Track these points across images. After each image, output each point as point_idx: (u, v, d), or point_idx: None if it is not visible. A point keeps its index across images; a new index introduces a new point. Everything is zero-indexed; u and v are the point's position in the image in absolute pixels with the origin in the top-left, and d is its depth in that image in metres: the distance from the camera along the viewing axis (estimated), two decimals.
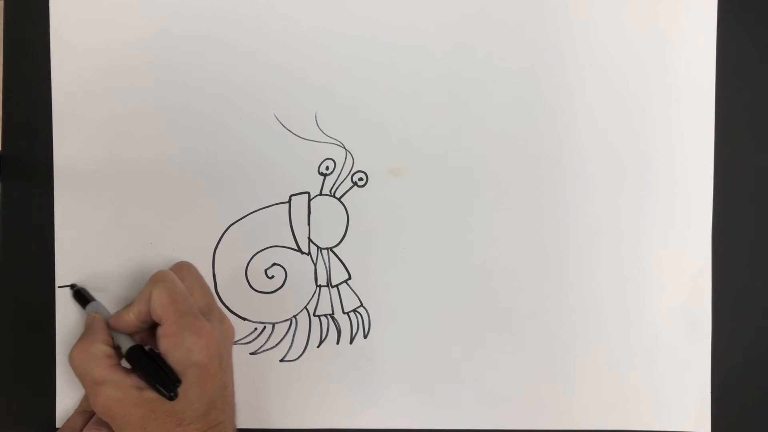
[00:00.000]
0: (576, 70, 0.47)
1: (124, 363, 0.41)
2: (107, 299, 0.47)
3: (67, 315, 0.47)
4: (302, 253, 0.47)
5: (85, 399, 0.46)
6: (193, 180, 0.47)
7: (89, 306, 0.44)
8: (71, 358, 0.40)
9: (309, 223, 0.47)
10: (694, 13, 0.48)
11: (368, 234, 0.47)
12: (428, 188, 0.47)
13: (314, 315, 0.47)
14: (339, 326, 0.47)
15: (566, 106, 0.47)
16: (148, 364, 0.39)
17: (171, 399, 0.38)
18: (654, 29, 0.48)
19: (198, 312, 0.41)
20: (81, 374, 0.40)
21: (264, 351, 0.47)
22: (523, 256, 0.47)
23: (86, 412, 0.45)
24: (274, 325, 0.47)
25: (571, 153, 0.48)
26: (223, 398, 0.41)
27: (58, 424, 0.47)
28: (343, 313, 0.47)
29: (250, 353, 0.47)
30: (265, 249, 0.47)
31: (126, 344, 0.41)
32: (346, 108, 0.47)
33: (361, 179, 0.47)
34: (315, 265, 0.47)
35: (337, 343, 0.47)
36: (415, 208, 0.47)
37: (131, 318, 0.41)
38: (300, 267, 0.47)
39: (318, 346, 0.47)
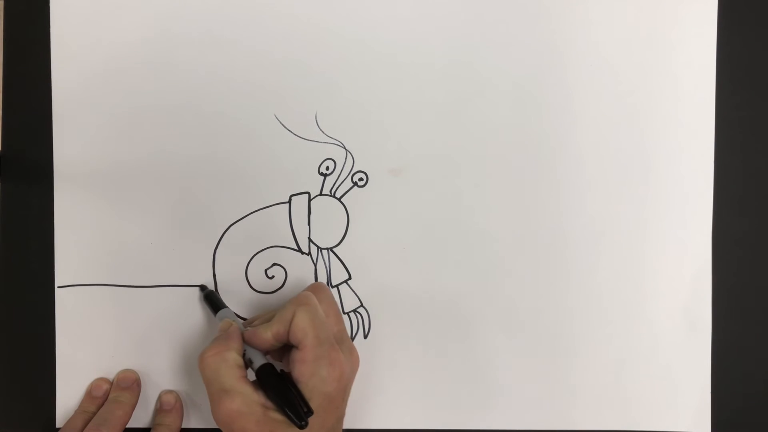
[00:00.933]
0: (576, 71, 0.48)
1: (250, 375, 0.41)
2: (110, 299, 0.47)
3: (67, 315, 0.47)
4: (302, 253, 0.47)
5: (87, 399, 0.46)
6: (193, 180, 0.47)
7: (221, 312, 0.44)
8: (203, 360, 0.40)
9: (309, 223, 0.47)
10: (694, 14, 0.48)
11: (368, 234, 0.47)
12: (428, 188, 0.47)
13: None
14: None
15: (566, 106, 0.47)
16: (281, 386, 0.39)
17: (301, 428, 0.37)
18: (654, 30, 0.48)
19: (334, 341, 0.40)
20: (210, 378, 0.39)
21: None
22: (524, 257, 0.47)
23: (87, 413, 0.45)
24: None
25: (571, 153, 0.48)
26: (336, 430, 0.41)
27: (58, 424, 0.47)
28: (344, 313, 0.47)
29: None
30: (265, 249, 0.47)
31: (258, 360, 0.40)
32: (346, 108, 0.47)
33: (361, 179, 0.47)
34: (315, 265, 0.47)
35: None
36: (415, 208, 0.47)
37: (268, 337, 0.40)
38: (300, 267, 0.47)
39: None
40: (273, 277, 0.47)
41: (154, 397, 0.47)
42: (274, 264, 0.47)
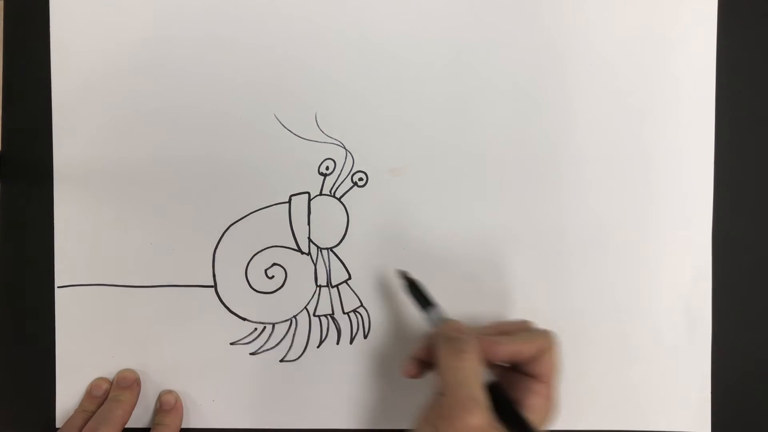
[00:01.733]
0: (576, 71, 0.48)
1: None
2: (110, 299, 0.47)
3: (67, 315, 0.47)
4: (302, 253, 0.47)
5: (87, 398, 0.46)
6: (193, 180, 0.47)
7: (435, 310, 0.42)
8: (464, 359, 0.37)
9: (309, 223, 0.47)
10: (694, 13, 0.48)
11: (368, 234, 0.47)
12: (428, 188, 0.47)
13: (314, 315, 0.47)
14: (339, 326, 0.47)
15: (566, 106, 0.48)
16: (511, 409, 0.38)
17: None
18: (654, 30, 0.48)
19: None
20: (463, 381, 0.36)
21: (264, 351, 0.47)
22: (523, 257, 0.47)
23: (86, 412, 0.45)
24: (274, 325, 0.47)
25: (572, 153, 0.48)
26: None
27: (58, 424, 0.47)
28: (343, 313, 0.47)
29: (250, 353, 0.47)
30: (265, 249, 0.47)
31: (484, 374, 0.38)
32: (346, 108, 0.47)
33: (361, 179, 0.47)
34: (315, 265, 0.47)
35: (337, 343, 0.47)
36: (415, 208, 0.47)
37: (507, 351, 0.39)
38: (300, 267, 0.47)
39: (318, 346, 0.47)
40: (273, 277, 0.47)
41: (154, 397, 0.47)
42: (274, 264, 0.47)
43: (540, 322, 0.47)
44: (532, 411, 0.39)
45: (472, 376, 0.37)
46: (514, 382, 0.40)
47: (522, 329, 0.42)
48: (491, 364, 0.40)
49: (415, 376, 0.42)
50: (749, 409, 0.48)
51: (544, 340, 0.40)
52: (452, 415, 0.35)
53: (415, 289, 0.44)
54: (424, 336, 0.42)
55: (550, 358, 0.40)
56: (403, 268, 0.47)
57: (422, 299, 0.43)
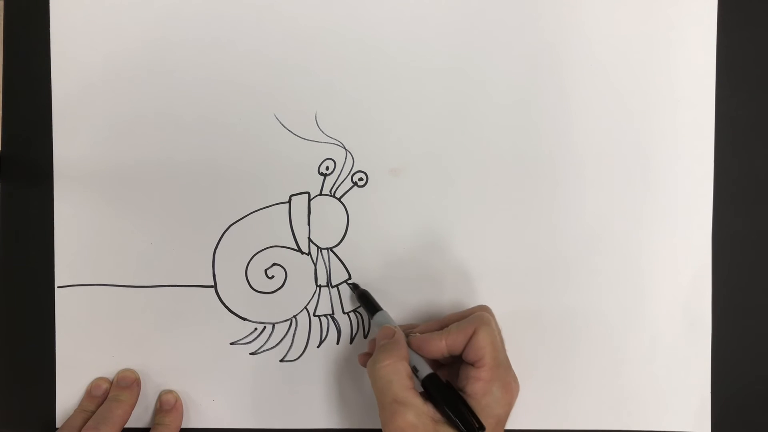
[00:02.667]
0: (575, 71, 0.47)
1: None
2: (110, 299, 0.47)
3: (67, 315, 0.47)
4: (302, 253, 0.47)
5: (86, 398, 0.46)
6: (193, 180, 0.47)
7: (379, 315, 0.44)
8: (379, 369, 0.39)
9: (309, 223, 0.47)
10: (694, 13, 0.48)
11: (368, 234, 0.47)
12: (428, 188, 0.47)
13: (314, 315, 0.47)
14: (339, 326, 0.47)
15: (566, 106, 0.47)
16: (451, 397, 0.38)
17: None
18: (654, 29, 0.48)
19: (509, 366, 0.40)
20: (383, 388, 0.38)
21: (264, 351, 0.47)
22: (523, 257, 0.47)
23: (86, 411, 0.45)
24: (274, 325, 0.47)
25: (571, 153, 0.48)
26: None
27: (58, 424, 0.47)
28: (343, 313, 0.47)
29: (250, 353, 0.47)
30: (265, 249, 0.47)
31: (424, 369, 0.40)
32: (346, 108, 0.47)
33: (361, 179, 0.47)
34: (315, 265, 0.47)
35: (337, 343, 0.47)
36: (415, 208, 0.47)
37: (442, 346, 0.40)
38: (300, 267, 0.47)
39: (318, 346, 0.47)
40: (273, 277, 0.47)
41: (154, 397, 0.47)
42: (274, 264, 0.47)
43: (540, 322, 0.47)
44: (474, 396, 0.39)
45: (391, 380, 0.38)
46: (460, 371, 0.41)
47: (459, 319, 0.41)
48: (438, 361, 0.41)
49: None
50: (749, 409, 0.48)
51: (471, 325, 0.40)
52: (384, 420, 0.38)
53: (364, 298, 0.46)
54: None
55: (479, 339, 0.39)
56: (403, 267, 0.47)
57: (370, 306, 0.45)
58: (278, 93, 0.47)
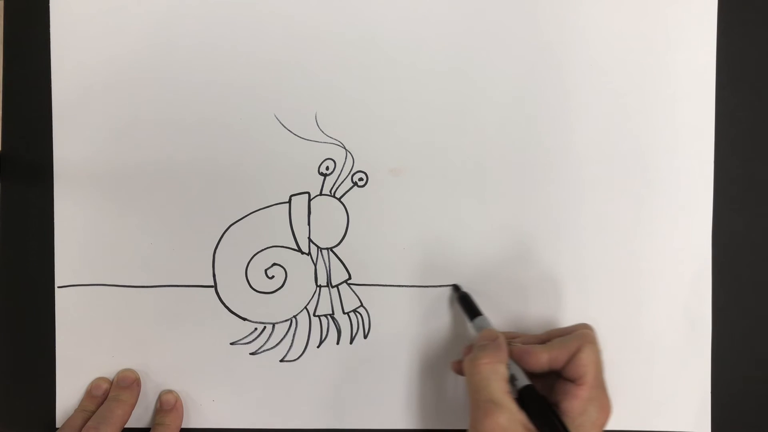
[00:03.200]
0: (575, 71, 0.47)
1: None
2: (110, 299, 0.47)
3: (67, 315, 0.47)
4: (302, 253, 0.47)
5: (86, 398, 0.46)
6: (193, 180, 0.47)
7: (480, 319, 0.44)
8: (478, 366, 0.39)
9: (309, 223, 0.47)
10: (694, 13, 0.48)
11: (368, 234, 0.47)
12: (428, 188, 0.47)
13: (314, 315, 0.47)
14: (339, 326, 0.47)
15: (566, 106, 0.47)
16: (546, 411, 0.38)
17: None
18: (654, 29, 0.48)
19: (606, 388, 0.40)
20: (479, 386, 0.38)
21: (264, 351, 0.47)
22: (523, 257, 0.47)
23: (86, 411, 0.45)
24: (274, 325, 0.47)
25: (571, 153, 0.48)
26: None
27: (58, 424, 0.47)
28: (343, 313, 0.47)
29: (250, 353, 0.47)
30: (265, 249, 0.47)
31: (522, 379, 0.40)
32: (346, 108, 0.47)
33: (361, 179, 0.47)
34: (315, 265, 0.47)
35: (337, 343, 0.47)
36: (415, 208, 0.47)
37: (544, 359, 0.40)
38: (300, 267, 0.47)
39: (318, 346, 0.47)
40: (273, 277, 0.47)
41: (154, 397, 0.47)
42: (274, 264, 0.47)
43: (540, 323, 0.47)
44: (570, 414, 0.39)
45: (489, 380, 0.38)
46: (556, 386, 0.40)
47: (562, 334, 0.41)
48: (536, 374, 0.41)
49: (459, 373, 0.44)
50: (749, 409, 0.48)
51: (576, 342, 0.40)
52: (475, 418, 0.38)
53: (465, 300, 0.46)
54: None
55: (584, 357, 0.39)
56: (403, 267, 0.47)
57: (471, 309, 0.45)
58: (278, 93, 0.47)
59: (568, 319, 0.47)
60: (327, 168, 0.47)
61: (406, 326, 0.47)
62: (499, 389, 0.38)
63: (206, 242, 0.47)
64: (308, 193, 0.47)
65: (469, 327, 0.45)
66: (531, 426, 0.37)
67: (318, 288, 0.47)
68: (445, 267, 0.47)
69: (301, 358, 0.47)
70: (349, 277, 0.47)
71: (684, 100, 0.48)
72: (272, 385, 0.47)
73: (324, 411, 0.47)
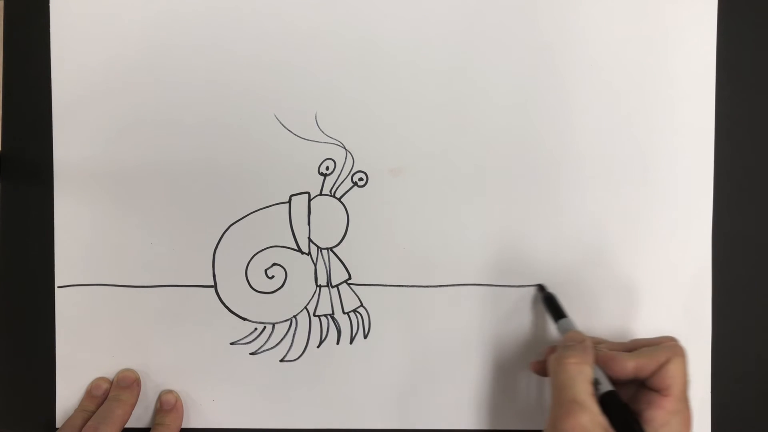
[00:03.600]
0: (575, 71, 0.47)
1: None
2: (110, 299, 0.47)
3: (67, 315, 0.47)
4: (302, 253, 0.47)
5: (87, 398, 0.46)
6: (193, 180, 0.47)
7: (565, 321, 0.44)
8: (565, 365, 0.39)
9: (309, 223, 0.47)
10: (694, 13, 0.48)
11: (368, 234, 0.47)
12: (428, 188, 0.47)
13: (314, 315, 0.47)
14: (339, 326, 0.47)
15: (566, 106, 0.47)
16: (628, 418, 0.38)
17: None
18: (654, 29, 0.48)
19: (689, 402, 0.40)
20: (564, 384, 0.38)
21: (264, 351, 0.47)
22: (523, 257, 0.47)
23: (86, 411, 0.45)
24: (274, 325, 0.47)
25: (571, 153, 0.48)
26: None
27: (58, 424, 0.47)
28: (343, 313, 0.47)
29: (250, 353, 0.47)
30: (265, 249, 0.47)
31: (605, 384, 0.40)
32: (346, 108, 0.47)
33: (361, 179, 0.47)
34: (315, 265, 0.47)
35: (337, 343, 0.47)
36: (415, 208, 0.47)
37: (629, 367, 0.40)
38: (300, 267, 0.47)
39: (318, 346, 0.47)
40: (273, 277, 0.47)
41: (154, 397, 0.47)
42: (274, 264, 0.47)
43: (540, 323, 0.47)
44: (653, 424, 0.39)
45: (575, 379, 0.38)
46: (640, 396, 0.40)
47: (649, 345, 0.41)
48: (620, 382, 0.41)
49: (539, 373, 0.45)
50: (749, 409, 0.48)
51: (666, 354, 0.40)
52: (556, 416, 0.38)
53: (550, 301, 0.46)
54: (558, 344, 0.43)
55: (672, 369, 0.39)
56: (403, 267, 0.47)
57: (556, 310, 0.45)
58: (278, 93, 0.47)
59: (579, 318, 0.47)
60: (327, 168, 0.47)
61: (406, 326, 0.47)
62: (583, 390, 0.38)
63: (206, 242, 0.47)
64: (308, 193, 0.47)
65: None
66: (611, 431, 0.37)
67: (318, 288, 0.47)
68: (445, 267, 0.47)
69: (301, 358, 0.47)
70: (349, 277, 0.47)
71: (684, 100, 0.48)
72: (272, 385, 0.47)
73: (324, 411, 0.47)
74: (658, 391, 0.39)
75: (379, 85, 0.47)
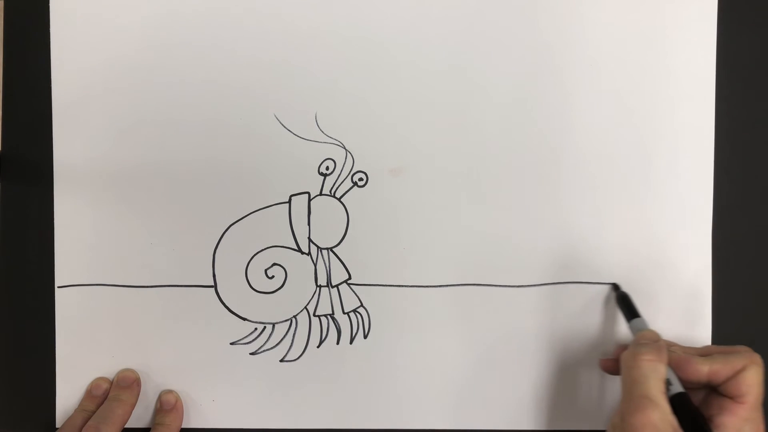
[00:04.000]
0: (576, 70, 0.47)
1: None
2: (110, 299, 0.47)
3: (67, 315, 0.47)
4: (302, 253, 0.47)
5: (87, 398, 0.46)
6: (193, 180, 0.47)
7: (638, 321, 0.44)
8: (640, 360, 0.39)
9: (309, 223, 0.47)
10: (694, 13, 0.48)
11: (368, 234, 0.47)
12: (428, 188, 0.47)
13: (314, 315, 0.47)
14: (339, 326, 0.47)
15: (566, 106, 0.47)
16: (698, 421, 0.38)
17: None
18: (654, 29, 0.48)
19: (762, 413, 0.40)
20: (638, 380, 0.39)
21: (264, 351, 0.47)
22: (523, 256, 0.47)
23: (86, 411, 0.45)
24: (274, 325, 0.47)
25: (571, 153, 0.48)
26: None
27: (58, 424, 0.47)
28: (343, 313, 0.47)
29: (250, 353, 0.47)
30: (265, 249, 0.47)
31: (677, 385, 0.40)
32: (346, 108, 0.47)
33: (361, 179, 0.47)
34: (315, 265, 0.47)
35: (337, 343, 0.47)
36: (415, 208, 0.47)
37: (704, 371, 0.40)
38: (300, 267, 0.47)
39: (318, 346, 0.47)
40: (273, 277, 0.47)
41: (154, 396, 0.47)
42: (274, 264, 0.47)
43: (539, 323, 0.47)
44: (723, 429, 0.39)
45: (648, 376, 0.38)
46: (711, 401, 0.40)
47: (723, 352, 0.41)
48: (691, 385, 0.41)
49: (608, 370, 0.45)
50: None
51: (742, 361, 0.40)
52: (627, 411, 0.38)
53: (624, 301, 0.46)
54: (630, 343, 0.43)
55: (749, 377, 0.39)
56: (403, 267, 0.47)
57: (629, 310, 0.45)
58: (278, 93, 0.47)
59: (572, 320, 0.47)
60: (327, 168, 0.47)
61: (406, 326, 0.47)
62: (656, 387, 0.38)
63: (206, 242, 0.47)
64: (308, 193, 0.47)
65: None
66: (680, 431, 0.37)
67: (318, 288, 0.47)
68: (445, 267, 0.47)
69: (301, 358, 0.47)
70: (349, 277, 0.47)
71: (684, 99, 0.48)
72: (272, 385, 0.47)
73: (324, 411, 0.47)
74: (732, 397, 0.39)
75: (379, 85, 0.47)
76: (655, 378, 0.39)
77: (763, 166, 0.48)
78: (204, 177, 0.47)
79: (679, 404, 0.39)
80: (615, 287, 0.47)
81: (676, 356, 0.41)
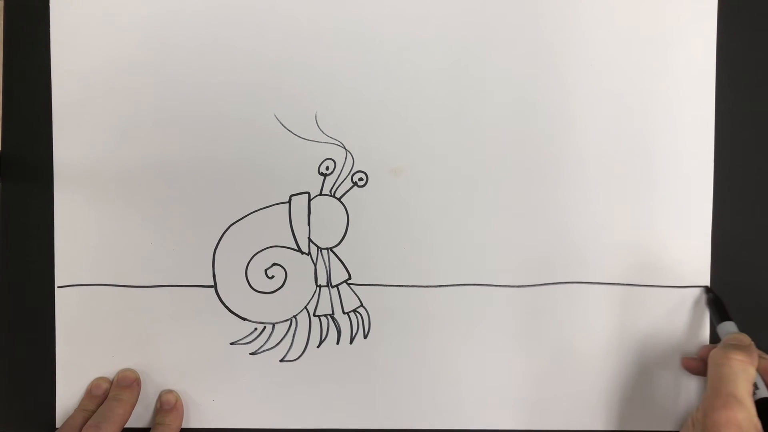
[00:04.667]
0: (576, 70, 0.47)
1: None
2: (110, 299, 0.47)
3: (67, 315, 0.47)
4: (302, 253, 0.47)
5: (87, 398, 0.46)
6: (193, 180, 0.47)
7: (728, 324, 0.45)
8: (731, 359, 0.40)
9: (309, 223, 0.47)
10: (694, 13, 0.48)
11: (368, 234, 0.47)
12: (428, 188, 0.47)
13: (314, 315, 0.47)
14: (339, 326, 0.47)
15: (566, 106, 0.47)
16: None
17: None
18: (654, 29, 0.48)
19: None
20: (727, 378, 0.39)
21: (264, 351, 0.47)
22: (523, 256, 0.47)
23: (86, 411, 0.45)
24: (274, 325, 0.47)
25: (571, 153, 0.48)
26: None
27: (58, 424, 0.47)
28: (343, 313, 0.47)
29: (250, 353, 0.47)
30: (265, 249, 0.47)
31: (762, 389, 0.41)
32: (346, 108, 0.47)
33: (361, 179, 0.47)
34: (315, 265, 0.47)
35: (337, 343, 0.47)
36: (415, 208, 0.47)
37: None
38: (300, 267, 0.47)
39: (318, 346, 0.47)
40: (273, 277, 0.47)
41: (154, 396, 0.47)
42: (274, 264, 0.47)
43: (540, 323, 0.47)
44: None
45: (738, 376, 0.39)
46: None
47: None
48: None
49: (691, 370, 0.47)
50: None
51: None
52: (711, 406, 0.38)
53: (716, 304, 0.46)
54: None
55: None
56: (403, 267, 0.47)
57: (721, 313, 0.46)
58: (278, 93, 0.47)
59: (573, 320, 0.47)
60: (327, 168, 0.47)
61: (406, 326, 0.47)
62: (744, 387, 0.38)
63: (206, 242, 0.47)
64: (308, 193, 0.47)
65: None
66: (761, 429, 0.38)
67: (318, 288, 0.47)
68: (445, 267, 0.47)
69: (301, 358, 0.47)
70: (349, 277, 0.47)
71: (684, 100, 0.48)
72: (272, 385, 0.47)
73: (324, 411, 0.47)
74: None
75: (380, 85, 0.47)
76: (744, 378, 0.39)
77: (763, 166, 0.48)
78: (204, 177, 0.47)
79: (763, 409, 0.39)
80: (707, 290, 0.47)
81: (766, 362, 0.41)
